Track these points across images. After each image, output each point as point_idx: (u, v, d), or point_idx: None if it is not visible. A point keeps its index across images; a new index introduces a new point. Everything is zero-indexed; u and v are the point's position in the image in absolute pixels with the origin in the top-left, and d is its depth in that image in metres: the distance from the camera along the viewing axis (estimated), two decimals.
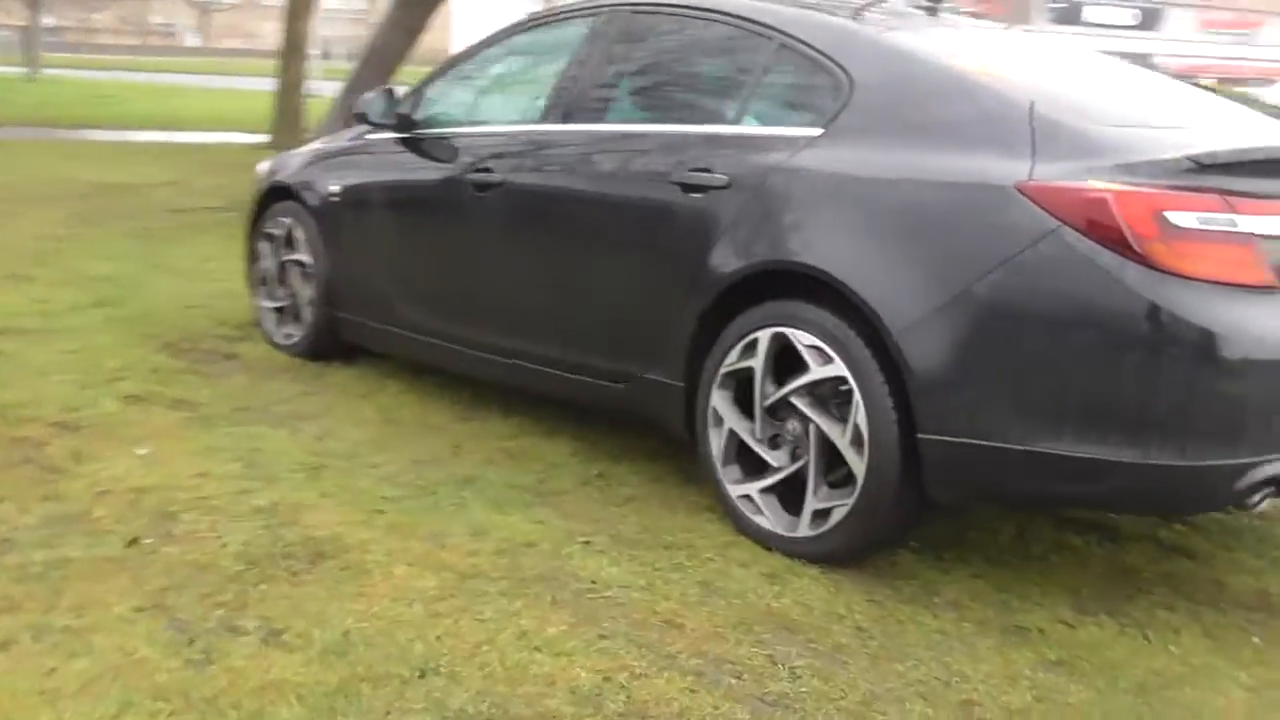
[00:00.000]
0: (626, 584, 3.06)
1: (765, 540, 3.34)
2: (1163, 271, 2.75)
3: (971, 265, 2.95)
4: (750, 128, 3.56)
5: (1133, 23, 32.44)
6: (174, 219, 8.84)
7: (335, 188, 4.97)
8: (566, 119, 4.08)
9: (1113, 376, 2.79)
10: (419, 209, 4.58)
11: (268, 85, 15.27)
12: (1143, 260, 2.75)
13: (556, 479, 3.83)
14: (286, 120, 14.17)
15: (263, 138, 14.26)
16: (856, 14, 3.69)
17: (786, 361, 3.30)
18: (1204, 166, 2.81)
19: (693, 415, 3.58)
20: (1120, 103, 3.49)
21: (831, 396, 3.22)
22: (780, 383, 3.31)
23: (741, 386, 3.43)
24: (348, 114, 5.58)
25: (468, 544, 3.23)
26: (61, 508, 3.32)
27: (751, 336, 3.35)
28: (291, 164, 5.38)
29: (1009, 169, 2.95)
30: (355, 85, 10.56)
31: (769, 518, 3.36)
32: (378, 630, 2.70)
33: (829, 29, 3.56)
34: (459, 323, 4.40)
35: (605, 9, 4.17)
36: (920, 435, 3.01)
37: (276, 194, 5.33)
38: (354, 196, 4.88)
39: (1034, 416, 2.87)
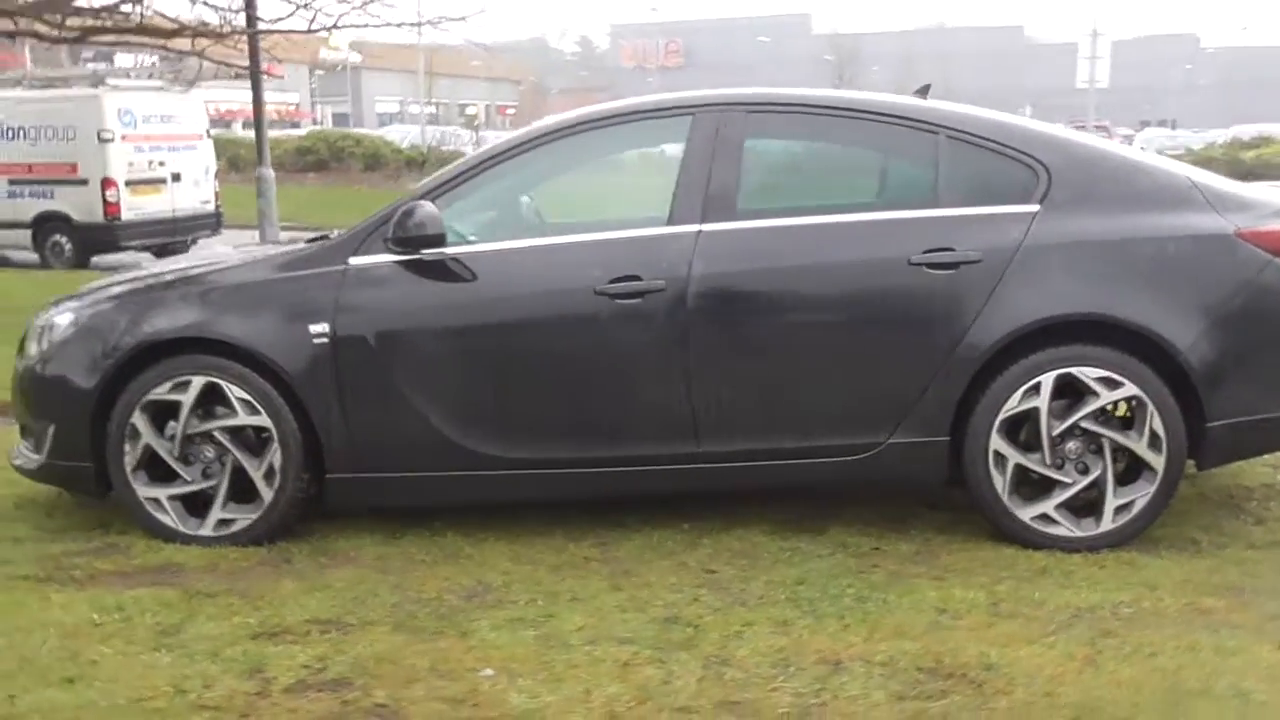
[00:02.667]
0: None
1: (1071, 546, 4.04)
2: None
3: (1221, 292, 4.03)
4: (971, 209, 4.13)
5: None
6: None
7: (321, 327, 4.17)
8: (715, 218, 4.13)
9: None
10: (529, 330, 4.15)
11: None
12: None
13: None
14: None
15: None
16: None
17: (1063, 398, 4.03)
18: None
19: (957, 465, 4.09)
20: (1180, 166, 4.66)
21: (1112, 416, 4.05)
22: (1061, 417, 4.02)
23: (1014, 427, 4.06)
24: None
25: None
26: None
27: (1034, 381, 4.00)
28: (178, 309, 4.30)
29: (1217, 222, 4.07)
30: None
31: (1066, 526, 4.06)
32: None
33: (991, 122, 4.28)
34: (605, 443, 4.16)
35: (704, 108, 4.26)
36: (1209, 424, 4.01)
37: (158, 349, 4.23)
38: (379, 330, 4.17)
39: (1277, 390, 4.07)
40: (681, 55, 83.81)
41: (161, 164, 15.13)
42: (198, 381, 4.21)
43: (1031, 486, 4.11)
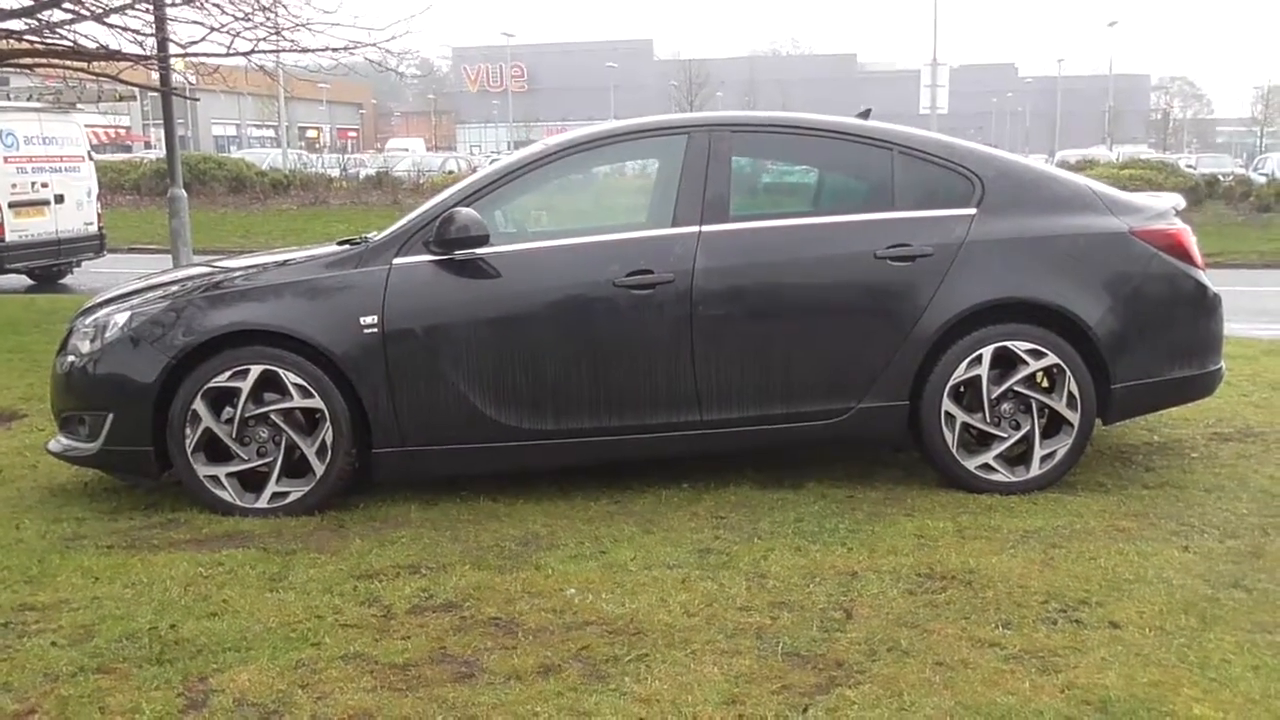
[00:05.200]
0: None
1: (1007, 490, 4.90)
2: (1199, 267, 5.11)
3: (1120, 279, 4.96)
4: (922, 211, 4.96)
5: None
6: None
7: (371, 319, 4.76)
8: (712, 220, 4.87)
9: (1191, 323, 5.07)
10: (556, 318, 4.79)
11: None
12: (1193, 263, 5.08)
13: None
14: None
15: None
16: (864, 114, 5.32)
17: (997, 367, 4.90)
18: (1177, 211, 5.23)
19: (916, 424, 4.92)
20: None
21: (1039, 383, 4.94)
22: (998, 383, 4.89)
23: (959, 392, 4.91)
24: None
25: None
26: None
27: (977, 353, 4.86)
28: (234, 305, 4.83)
29: (1115, 223, 5.02)
30: None
31: (1002, 473, 4.93)
32: None
33: (933, 140, 5.14)
34: (621, 414, 4.84)
35: (697, 127, 5.01)
36: (1113, 385, 4.94)
37: (217, 342, 4.76)
38: (422, 321, 4.77)
39: (1164, 358, 5.03)
40: (525, 80, 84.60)
41: (44, 185, 15.07)
42: (256, 370, 4.74)
43: (973, 441, 4.96)
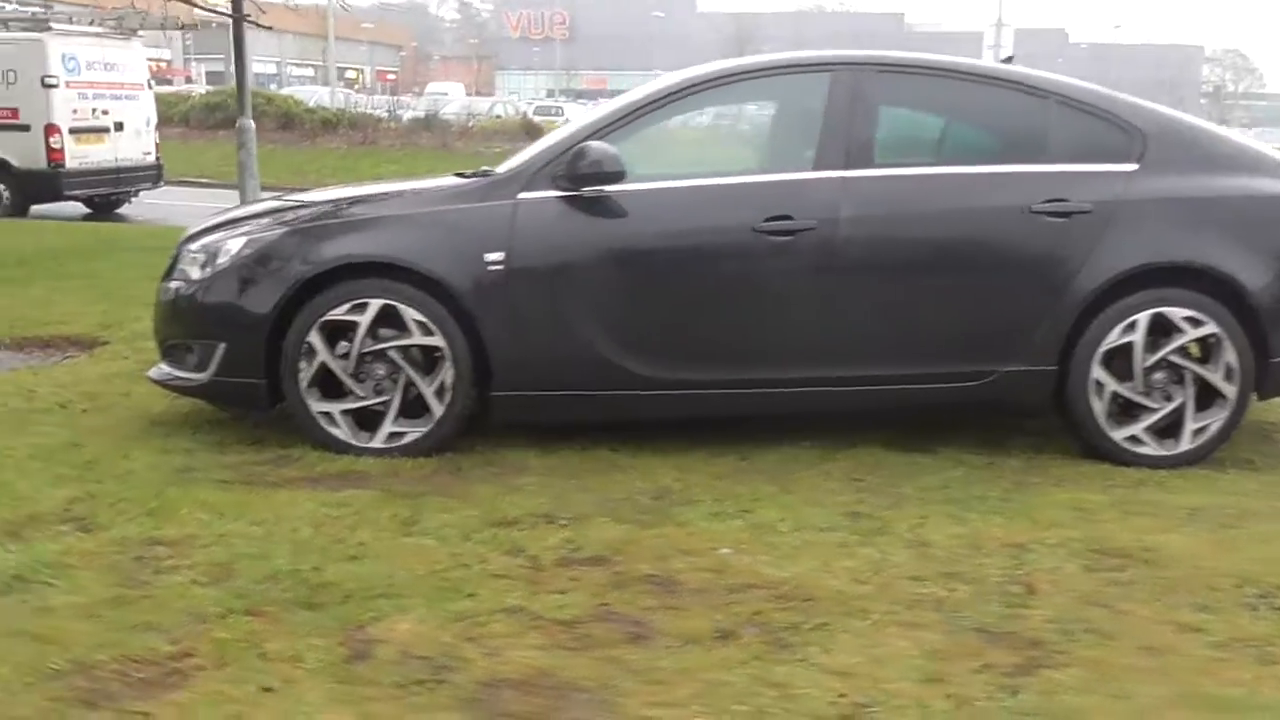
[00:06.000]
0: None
1: (1154, 464, 4.65)
2: None
3: None
4: (1080, 165, 4.68)
5: None
6: None
7: (496, 256, 4.54)
8: (857, 165, 4.61)
9: None
10: (689, 262, 4.56)
11: None
12: None
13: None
14: None
15: None
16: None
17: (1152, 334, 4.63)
18: None
19: (1062, 392, 4.66)
20: None
21: (1198, 352, 4.67)
22: (1151, 351, 4.62)
23: (1111, 358, 4.64)
24: None
25: None
26: None
27: (1131, 319, 4.59)
28: (356, 236, 4.61)
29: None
30: None
31: (1151, 446, 4.67)
32: None
33: (1093, 91, 4.84)
34: (750, 366, 4.61)
35: (841, 65, 4.73)
36: (1272, 359, 4.66)
37: (331, 275, 4.55)
38: (549, 260, 4.56)
39: None
40: (568, 27, 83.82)
41: (105, 112, 14.90)
42: (375, 304, 4.53)
43: (1120, 411, 4.70)
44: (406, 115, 29.45)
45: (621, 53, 74.63)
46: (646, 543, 3.68)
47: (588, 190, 4.57)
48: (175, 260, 4.92)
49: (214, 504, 3.95)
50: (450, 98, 42.62)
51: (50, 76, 14.08)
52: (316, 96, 32.88)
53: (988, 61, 5.09)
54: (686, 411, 4.75)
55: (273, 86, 51.86)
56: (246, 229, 4.78)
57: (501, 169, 4.79)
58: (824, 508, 4.05)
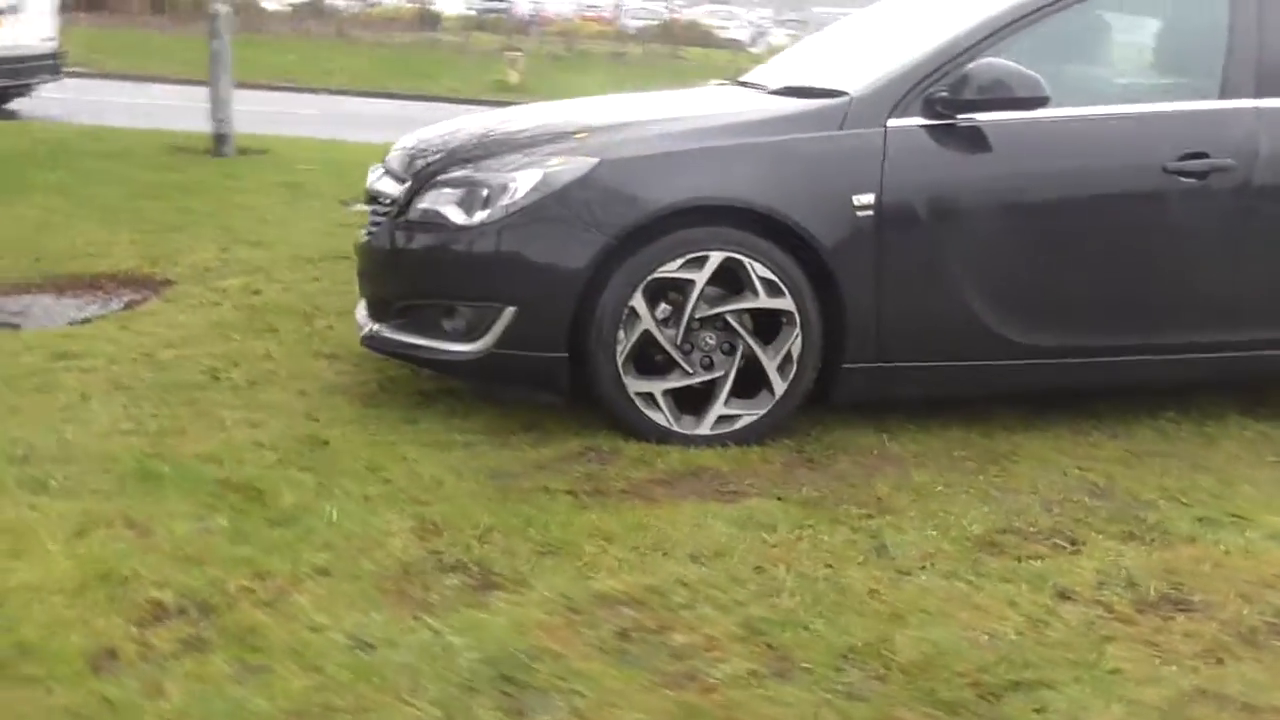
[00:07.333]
0: None
1: None
2: None
3: None
4: None
5: None
6: None
7: (866, 198, 3.68)
8: (1272, 92, 3.89)
9: None
10: (1088, 209, 3.80)
11: None
12: None
13: None
14: None
15: None
16: None
17: None
18: None
19: None
20: None
21: None
22: None
23: None
24: None
25: None
26: None
27: None
28: (691, 171, 3.67)
29: None
30: None
31: None
32: None
33: None
34: (1141, 330, 3.92)
35: None
36: None
37: (663, 222, 3.63)
38: (928, 204, 3.72)
39: None
40: None
41: None
42: (716, 257, 3.62)
43: None
44: None
45: None
46: (1209, 572, 2.95)
47: (963, 119, 3.73)
48: (413, 195, 3.86)
49: (602, 526, 3.05)
50: None
51: None
52: None
53: None
54: (1066, 383, 4.01)
55: None
56: (530, 158, 3.76)
57: (859, 88, 3.86)
58: None
